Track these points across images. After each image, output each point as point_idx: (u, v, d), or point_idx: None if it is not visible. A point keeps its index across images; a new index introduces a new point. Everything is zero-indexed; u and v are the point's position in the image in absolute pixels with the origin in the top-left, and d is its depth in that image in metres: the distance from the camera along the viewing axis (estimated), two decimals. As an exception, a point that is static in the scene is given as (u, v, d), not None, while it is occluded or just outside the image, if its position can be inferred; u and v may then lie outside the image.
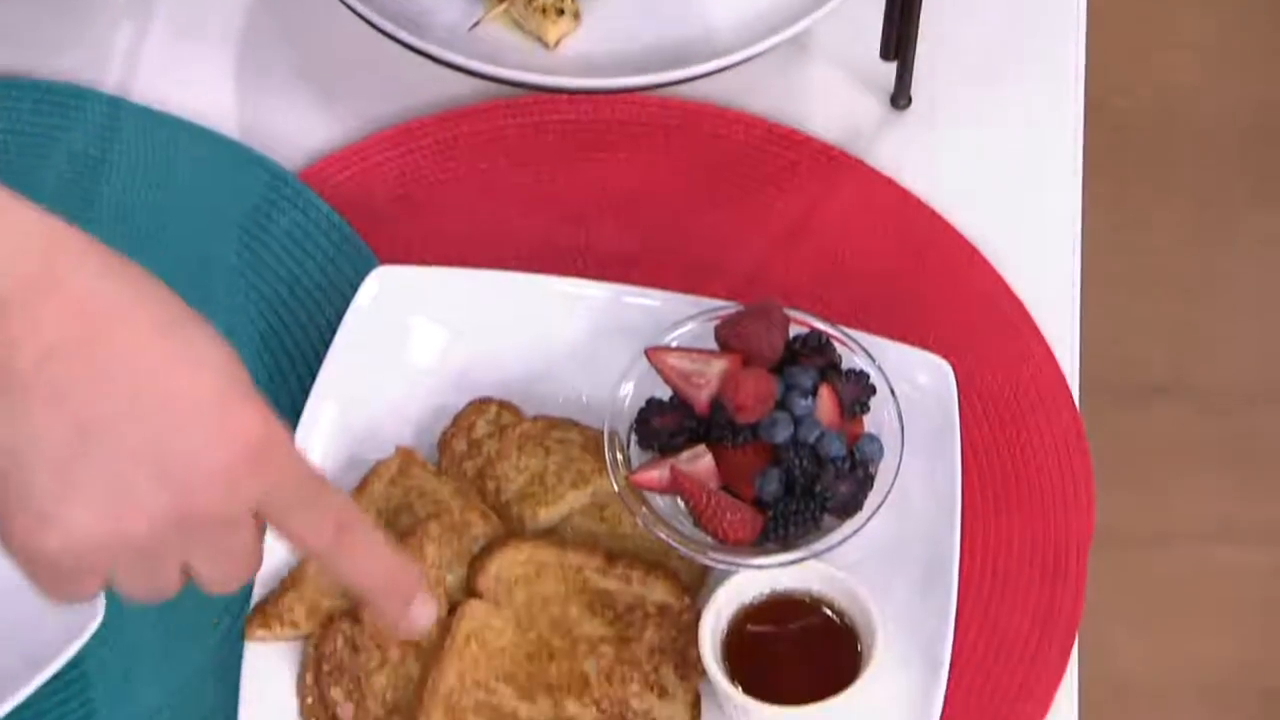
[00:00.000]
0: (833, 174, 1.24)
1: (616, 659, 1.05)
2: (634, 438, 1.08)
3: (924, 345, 1.13)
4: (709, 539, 1.06)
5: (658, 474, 1.06)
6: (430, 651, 1.05)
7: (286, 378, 1.15)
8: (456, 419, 1.13)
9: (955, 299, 1.19)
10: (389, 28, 1.19)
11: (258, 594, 1.07)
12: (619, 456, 1.07)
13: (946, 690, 1.04)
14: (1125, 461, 1.89)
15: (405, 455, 1.11)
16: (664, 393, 1.08)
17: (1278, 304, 2.06)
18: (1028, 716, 1.07)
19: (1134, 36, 2.15)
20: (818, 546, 1.05)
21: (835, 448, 1.05)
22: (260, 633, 1.06)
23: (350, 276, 1.17)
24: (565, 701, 1.04)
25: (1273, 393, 2.01)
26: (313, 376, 1.13)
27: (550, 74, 1.20)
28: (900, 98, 1.27)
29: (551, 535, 1.09)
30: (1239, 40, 2.20)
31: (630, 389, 1.09)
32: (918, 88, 1.26)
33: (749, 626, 1.05)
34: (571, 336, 1.14)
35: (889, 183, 1.23)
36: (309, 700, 1.05)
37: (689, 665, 1.05)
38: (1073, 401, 1.16)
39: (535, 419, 1.13)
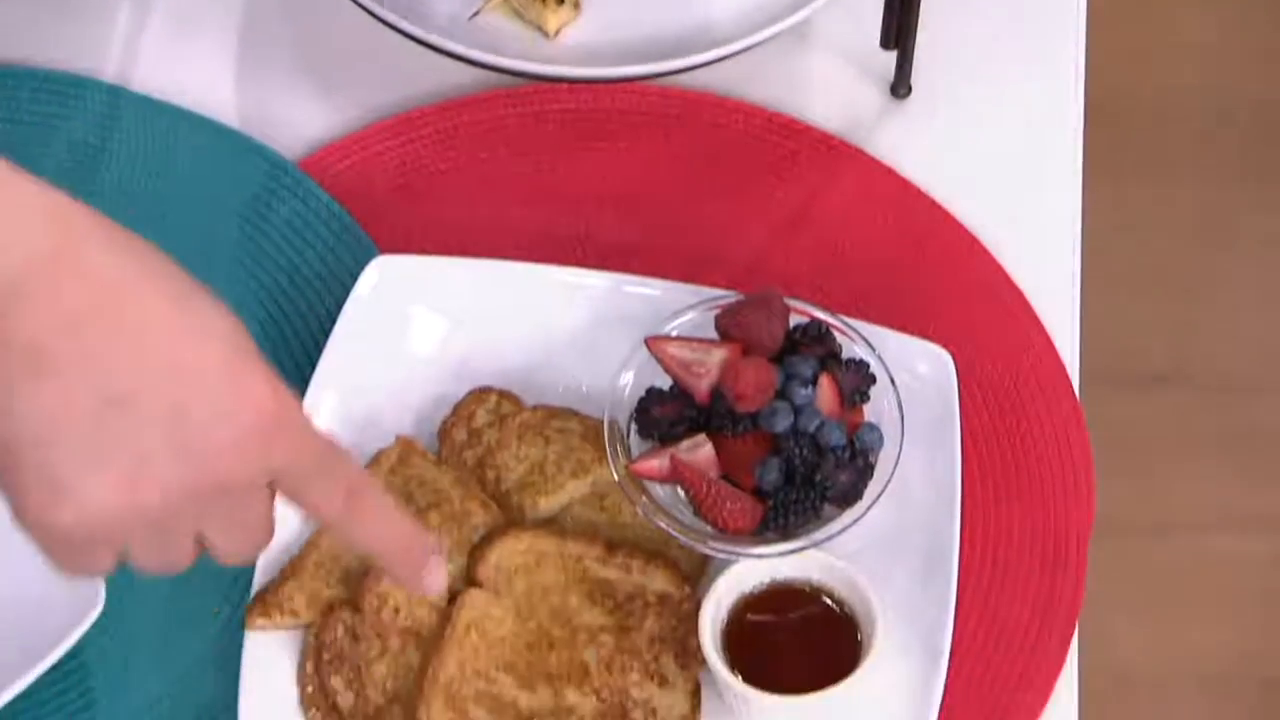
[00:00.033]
0: (833, 163, 1.24)
1: (616, 648, 1.05)
2: (634, 427, 1.08)
3: (924, 334, 1.13)
4: (709, 528, 1.06)
5: (658, 463, 1.06)
6: (430, 641, 1.05)
7: (286, 367, 1.15)
8: (456, 408, 1.13)
9: (955, 288, 1.19)
10: (389, 17, 1.19)
11: (258, 583, 1.07)
12: (619, 446, 1.07)
13: (946, 679, 1.04)
14: (1125, 451, 1.89)
15: (405, 444, 1.11)
16: (664, 382, 1.08)
17: (1277, 294, 2.06)
18: (1028, 706, 1.07)
19: (1134, 26, 2.15)
20: (818, 536, 1.05)
21: (835, 437, 1.05)
22: (260, 621, 1.06)
23: (350, 266, 1.17)
24: (565, 691, 1.04)
25: (1272, 383, 2.01)
26: (312, 366, 1.13)
27: (550, 63, 1.20)
28: (900, 87, 1.27)
29: (551, 524, 1.09)
30: (1239, 30, 2.20)
31: (630, 378, 1.09)
32: (918, 77, 1.26)
33: (749, 615, 1.05)
34: (571, 326, 1.14)
35: (889, 172, 1.23)
36: (309, 689, 1.05)
37: (689, 654, 1.05)
38: (1073, 391, 1.16)
39: (535, 408, 1.13)
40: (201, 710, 1.06)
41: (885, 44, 1.24)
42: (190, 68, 1.27)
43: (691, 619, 1.04)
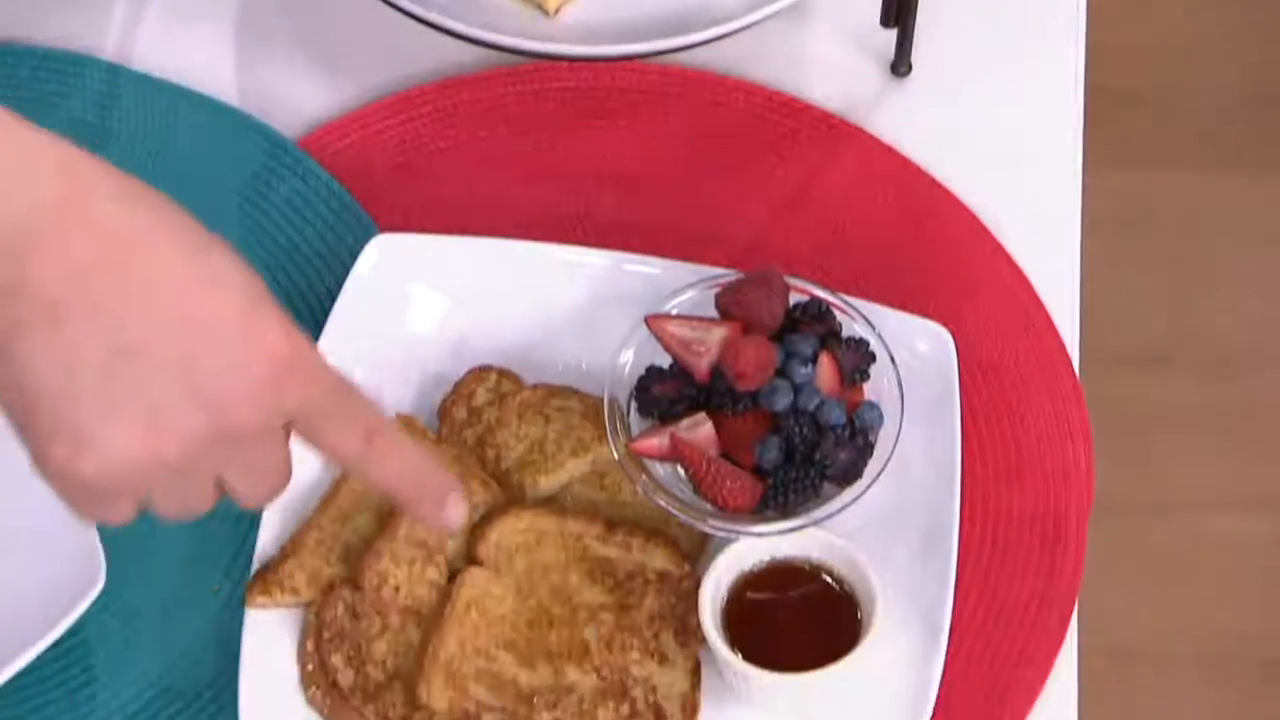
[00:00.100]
0: (833, 142, 1.24)
1: (616, 626, 1.05)
2: (634, 405, 1.08)
3: (924, 313, 1.13)
4: (709, 506, 1.06)
5: (657, 441, 1.06)
6: (431, 619, 1.05)
7: (286, 345, 1.15)
8: (456, 387, 1.13)
9: (955, 267, 1.19)
10: (389, -5, 1.19)
11: (258, 560, 1.07)
12: (619, 424, 1.07)
13: (946, 656, 1.04)
14: (1125, 430, 1.90)
15: (405, 423, 1.11)
16: (664, 360, 1.08)
17: (1276, 273, 2.06)
18: (1027, 683, 1.07)
19: (1136, 7, 2.15)
20: (817, 514, 1.05)
21: (835, 415, 1.05)
22: (261, 599, 1.06)
23: (350, 244, 1.17)
24: (565, 669, 1.04)
25: (1272, 362, 2.01)
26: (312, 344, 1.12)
27: (550, 41, 1.20)
28: (901, 65, 1.26)
29: (551, 503, 1.09)
30: (1242, 11, 2.20)
31: (630, 356, 1.09)
32: (918, 55, 1.26)
33: (749, 594, 1.05)
34: (571, 304, 1.14)
35: (889, 150, 1.23)
36: (309, 667, 1.05)
37: (689, 632, 1.05)
38: (1073, 370, 1.16)
39: (535, 387, 1.13)
40: (202, 687, 1.07)
41: (885, 22, 1.24)
42: (190, 46, 1.27)
43: (691, 597, 1.05)
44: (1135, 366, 1.99)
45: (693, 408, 1.07)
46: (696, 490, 1.06)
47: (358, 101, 1.25)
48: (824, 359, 1.06)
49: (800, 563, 1.06)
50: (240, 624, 1.06)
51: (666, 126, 1.24)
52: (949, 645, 1.04)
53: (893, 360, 1.08)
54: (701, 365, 1.07)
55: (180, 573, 1.09)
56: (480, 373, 1.13)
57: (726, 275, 1.10)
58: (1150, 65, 2.15)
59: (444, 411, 1.12)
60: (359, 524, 1.08)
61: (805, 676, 1.02)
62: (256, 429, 0.83)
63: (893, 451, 1.06)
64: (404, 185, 1.22)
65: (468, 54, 1.24)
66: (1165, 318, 2.03)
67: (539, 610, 1.05)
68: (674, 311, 1.09)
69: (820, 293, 1.09)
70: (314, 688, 1.04)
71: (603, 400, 1.08)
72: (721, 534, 1.06)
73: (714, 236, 1.20)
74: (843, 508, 1.05)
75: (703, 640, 1.04)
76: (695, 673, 1.05)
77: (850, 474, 1.05)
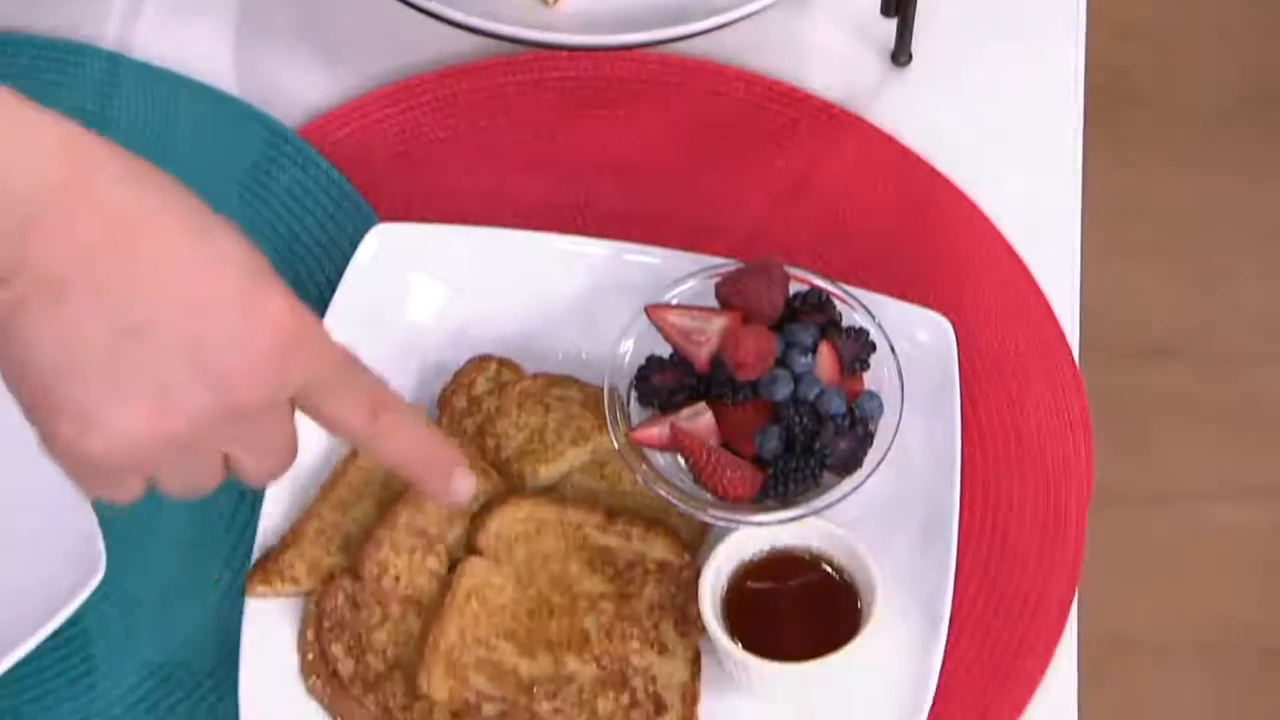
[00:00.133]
0: (833, 132, 1.24)
1: (616, 616, 1.05)
2: (634, 395, 1.08)
3: (924, 302, 1.13)
4: (709, 496, 1.06)
5: (658, 431, 1.06)
6: (431, 608, 1.05)
7: (286, 335, 1.15)
8: (456, 376, 1.13)
9: (955, 256, 1.19)
10: (389, -16, 1.19)
11: (258, 550, 1.07)
12: (619, 413, 1.07)
13: (946, 646, 1.04)
14: (1125, 420, 1.90)
15: (405, 412, 1.11)
16: (664, 350, 1.08)
17: (1277, 264, 2.06)
18: (1027, 672, 1.07)
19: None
20: (817, 503, 1.05)
21: (835, 405, 1.05)
22: (261, 589, 1.06)
23: (350, 233, 1.17)
24: (565, 658, 1.04)
25: (1272, 352, 2.01)
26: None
27: (550, 31, 1.20)
28: (901, 55, 1.26)
29: (551, 492, 1.09)
30: (1242, 4, 2.20)
31: (630, 346, 1.09)
32: (919, 45, 1.26)
33: (749, 583, 1.05)
34: (571, 294, 1.14)
35: (889, 140, 1.23)
36: (310, 656, 1.05)
37: (689, 622, 1.05)
38: (1073, 360, 1.16)
39: (535, 376, 1.13)
40: (202, 676, 1.07)
41: (886, 11, 1.24)
42: (190, 35, 1.27)
43: (691, 586, 1.05)
44: (1136, 355, 1.99)
45: (693, 397, 1.07)
46: (696, 480, 1.06)
47: (358, 91, 1.25)
48: (824, 348, 1.06)
49: (800, 552, 1.06)
50: (240, 613, 1.06)
51: (666, 116, 1.24)
52: (949, 635, 1.04)
53: (893, 350, 1.08)
54: (701, 355, 1.07)
55: (180, 562, 1.09)
56: (480, 362, 1.13)
57: (726, 265, 1.10)
58: (1152, 53, 2.15)
59: (444, 400, 1.12)
60: (359, 513, 1.08)
61: (805, 666, 1.02)
62: (262, 405, 0.83)
63: (893, 441, 1.06)
64: (404, 174, 1.22)
65: (467, 43, 1.24)
66: (1166, 307, 2.02)
67: (539, 600, 1.06)
68: (674, 301, 1.09)
69: (820, 282, 1.09)
70: (314, 677, 1.04)
71: (603, 390, 1.08)
72: (721, 523, 1.06)
73: (714, 226, 1.19)
74: (843, 497, 1.05)
75: (703, 630, 1.04)
76: (695, 662, 1.05)
77: (850, 463, 1.06)
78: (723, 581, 1.05)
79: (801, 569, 1.06)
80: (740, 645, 1.02)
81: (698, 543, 1.08)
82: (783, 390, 1.05)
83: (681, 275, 1.10)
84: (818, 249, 1.18)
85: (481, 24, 1.18)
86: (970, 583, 1.08)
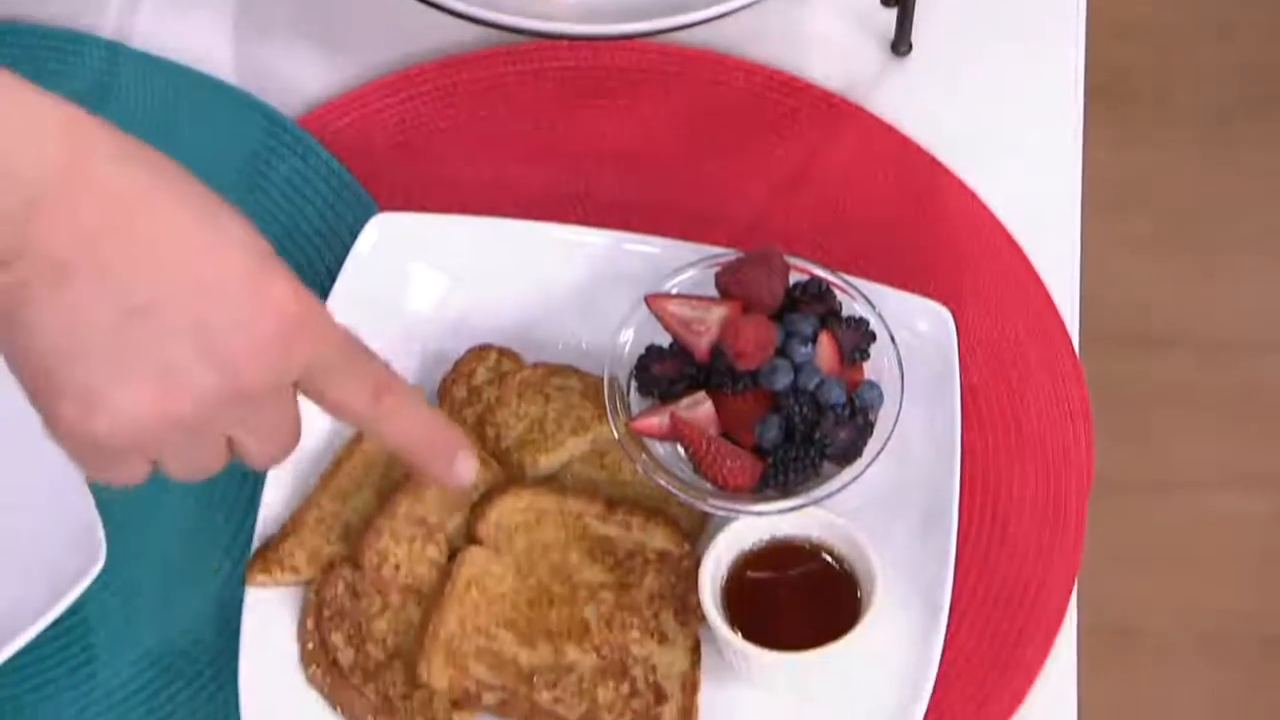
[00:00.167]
0: (833, 121, 1.24)
1: (616, 605, 1.05)
2: (634, 384, 1.08)
3: (924, 292, 1.13)
4: (709, 485, 1.06)
5: (657, 421, 1.06)
6: (431, 597, 1.05)
7: (286, 324, 1.15)
8: (456, 365, 1.13)
9: (955, 246, 1.19)
10: (388, -27, 1.19)
11: (258, 539, 1.07)
12: (619, 403, 1.07)
13: (946, 635, 1.04)
14: (1125, 409, 1.90)
15: (405, 402, 1.11)
16: (664, 339, 1.08)
17: (1277, 253, 2.06)
18: (1027, 662, 1.07)
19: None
20: (817, 493, 1.05)
21: (835, 394, 1.05)
22: (261, 578, 1.06)
23: (350, 223, 1.17)
24: (565, 647, 1.04)
25: (1272, 342, 2.01)
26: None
27: (550, 20, 1.20)
28: (901, 44, 1.26)
29: (551, 482, 1.09)
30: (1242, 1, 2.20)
31: (630, 336, 1.09)
32: (919, 34, 1.26)
33: (749, 573, 1.05)
34: (571, 283, 1.14)
35: (889, 130, 1.23)
36: (310, 645, 1.05)
37: (689, 611, 1.05)
38: (1073, 349, 1.16)
39: (535, 366, 1.13)
40: (203, 665, 1.07)
41: (886, 1, 1.24)
42: (189, 24, 1.27)
43: (691, 576, 1.05)
44: (1136, 345, 1.99)
45: (693, 387, 1.07)
46: (696, 469, 1.06)
47: (358, 80, 1.25)
48: (824, 338, 1.06)
49: (800, 542, 1.06)
50: (240, 602, 1.06)
51: (666, 106, 1.24)
52: (949, 624, 1.04)
53: (893, 339, 1.08)
54: (701, 344, 1.07)
55: (180, 551, 1.09)
56: (480, 351, 1.13)
57: (726, 254, 1.10)
58: (1151, 44, 2.15)
59: (444, 390, 1.12)
60: (359, 502, 1.08)
61: (805, 655, 1.02)
62: (267, 387, 0.84)
63: (892, 431, 1.06)
64: (404, 164, 1.22)
65: (468, 33, 1.24)
66: (1165, 297, 2.02)
67: (539, 589, 1.06)
68: (674, 291, 1.09)
69: (820, 272, 1.09)
70: (314, 666, 1.04)
71: (603, 379, 1.08)
72: (721, 513, 1.06)
73: (714, 216, 1.19)
74: (842, 487, 1.05)
75: (703, 619, 1.04)
76: (695, 652, 1.05)
77: (850, 453, 1.06)
78: (723, 571, 1.05)
79: (801, 558, 1.06)
80: (740, 635, 1.03)
81: (698, 532, 1.08)
82: (783, 380, 1.05)
83: (681, 265, 1.10)
84: (818, 239, 1.18)
85: (482, 14, 1.18)
86: (970, 572, 1.08)
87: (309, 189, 1.20)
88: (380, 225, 1.14)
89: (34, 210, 0.79)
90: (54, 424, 0.82)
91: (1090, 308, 1.18)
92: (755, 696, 1.05)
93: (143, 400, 0.81)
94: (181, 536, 1.10)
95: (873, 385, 1.07)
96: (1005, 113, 1.25)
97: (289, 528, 1.07)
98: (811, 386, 1.05)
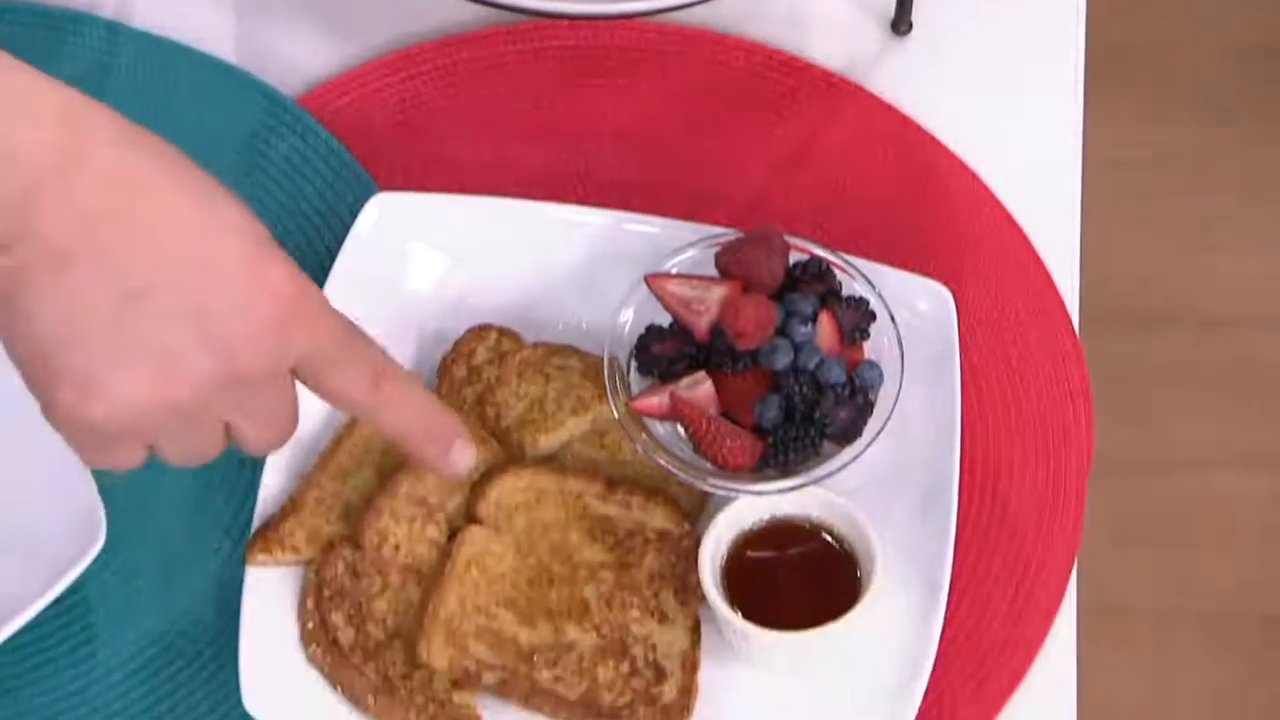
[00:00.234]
0: (833, 101, 1.24)
1: (616, 585, 1.05)
2: (634, 364, 1.08)
3: (924, 272, 1.13)
4: (708, 465, 1.06)
5: (657, 400, 1.06)
6: (431, 577, 1.05)
7: (286, 304, 1.15)
8: (456, 345, 1.13)
9: (955, 225, 1.19)
10: (388, -47, 1.18)
11: (259, 519, 1.07)
12: (619, 383, 1.07)
13: (946, 614, 1.04)
14: (1125, 388, 1.90)
15: (405, 381, 1.11)
16: (664, 319, 1.08)
17: (1276, 231, 2.06)
18: (1026, 641, 1.07)
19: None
20: (817, 472, 1.05)
21: (835, 374, 1.05)
22: (261, 557, 1.06)
23: (349, 203, 1.17)
24: (565, 627, 1.04)
25: (1272, 320, 2.01)
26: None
27: (550, 0, 1.20)
28: (901, 23, 1.26)
29: (551, 462, 1.10)
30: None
31: (630, 315, 1.09)
32: (919, 13, 1.26)
33: (749, 552, 1.05)
34: (571, 263, 1.14)
35: (889, 109, 1.23)
36: (310, 625, 1.05)
37: (689, 591, 1.05)
38: (1073, 329, 1.16)
39: (535, 345, 1.13)
40: (203, 645, 1.07)
41: (886, -20, 1.24)
42: (189, 3, 1.27)
43: (691, 556, 1.05)
44: (1135, 324, 1.99)
45: (692, 366, 1.07)
46: (696, 449, 1.06)
47: (357, 59, 1.25)
48: (824, 318, 1.06)
49: (800, 521, 1.06)
50: (240, 582, 1.06)
51: (666, 85, 1.24)
52: (948, 603, 1.04)
53: (893, 319, 1.08)
54: (701, 324, 1.07)
55: (181, 531, 1.09)
56: (480, 331, 1.13)
57: (726, 234, 1.10)
58: (1150, 22, 2.15)
59: (444, 370, 1.12)
60: (359, 482, 1.08)
61: (805, 635, 1.02)
62: (264, 372, 0.83)
63: (893, 410, 1.06)
64: (404, 144, 1.22)
65: (468, 12, 1.24)
66: (1166, 275, 2.02)
67: (539, 569, 1.06)
68: (674, 270, 1.09)
69: (820, 251, 1.09)
70: (314, 645, 1.05)
71: (603, 359, 1.08)
72: (721, 493, 1.06)
73: (714, 195, 1.19)
74: (842, 466, 1.05)
75: (702, 599, 1.04)
76: (695, 631, 1.05)
77: (850, 433, 1.06)
78: (723, 550, 1.05)
79: (801, 538, 1.06)
80: (740, 614, 1.03)
81: (697, 512, 1.08)
82: (783, 359, 1.05)
83: (681, 244, 1.10)
84: (817, 218, 1.18)
85: (481, -8, 1.18)
86: (970, 551, 1.09)
87: (308, 168, 1.20)
88: (380, 205, 1.14)
89: (33, 194, 0.79)
90: (51, 409, 0.82)
91: (1090, 287, 1.18)
92: (755, 676, 1.05)
93: (140, 386, 0.81)
94: (182, 516, 1.10)
95: (873, 365, 1.07)
96: (1005, 92, 1.25)
97: (289, 507, 1.07)
98: (811, 366, 1.05)
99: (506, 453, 1.09)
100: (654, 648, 1.04)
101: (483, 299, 1.14)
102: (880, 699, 1.03)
